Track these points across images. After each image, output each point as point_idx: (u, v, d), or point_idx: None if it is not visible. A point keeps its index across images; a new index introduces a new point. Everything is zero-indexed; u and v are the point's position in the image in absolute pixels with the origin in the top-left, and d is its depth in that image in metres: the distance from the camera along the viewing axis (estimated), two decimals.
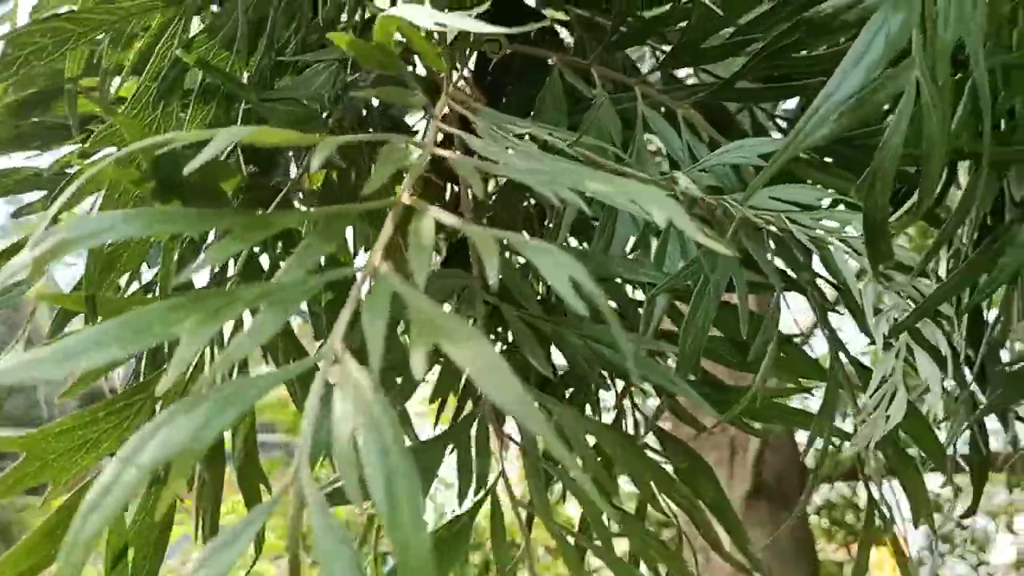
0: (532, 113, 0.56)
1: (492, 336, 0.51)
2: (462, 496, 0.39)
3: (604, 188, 0.29)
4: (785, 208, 0.46)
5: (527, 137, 0.50)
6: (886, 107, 0.40)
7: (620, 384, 0.55)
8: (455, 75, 0.48)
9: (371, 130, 0.58)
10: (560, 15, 0.67)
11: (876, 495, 0.54)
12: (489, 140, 0.38)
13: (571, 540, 0.45)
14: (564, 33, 0.66)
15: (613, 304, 0.56)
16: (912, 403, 0.51)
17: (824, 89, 0.34)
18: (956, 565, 3.17)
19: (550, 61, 0.58)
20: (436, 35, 0.51)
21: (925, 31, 0.36)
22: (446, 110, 0.41)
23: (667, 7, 0.54)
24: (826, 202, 0.49)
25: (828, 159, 0.54)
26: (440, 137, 0.45)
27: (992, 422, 0.58)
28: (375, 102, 0.56)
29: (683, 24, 0.54)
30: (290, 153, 0.50)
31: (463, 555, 0.38)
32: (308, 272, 0.28)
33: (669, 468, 0.54)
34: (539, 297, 0.51)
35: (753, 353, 0.45)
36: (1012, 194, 0.52)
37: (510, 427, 0.48)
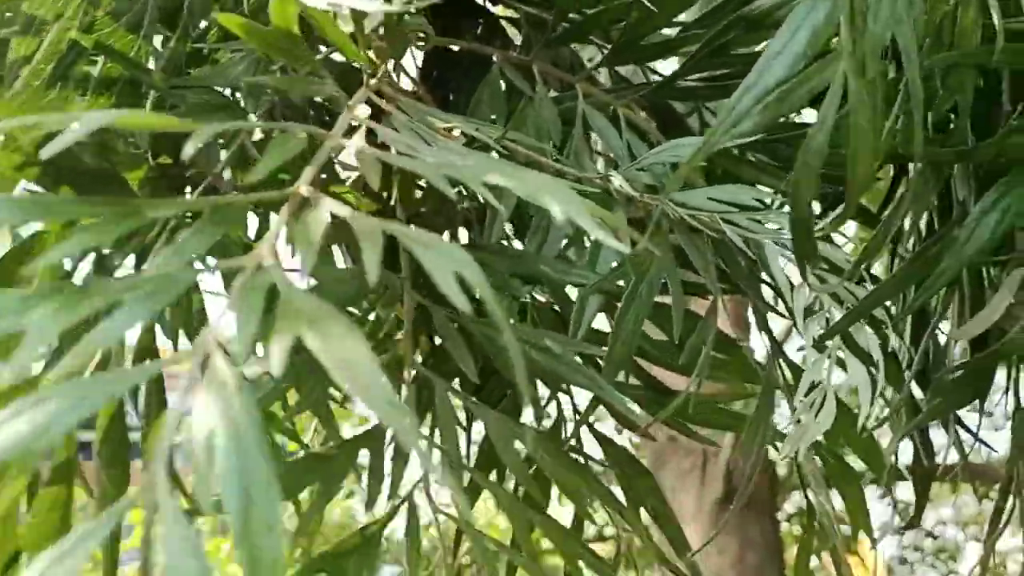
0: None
1: (425, 337, 0.50)
2: (370, 504, 0.38)
3: (506, 181, 0.28)
4: (722, 208, 0.45)
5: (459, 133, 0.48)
6: None
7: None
8: (387, 66, 0.47)
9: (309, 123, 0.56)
10: (510, 13, 0.66)
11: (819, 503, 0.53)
12: (407, 134, 0.37)
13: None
14: (517, 31, 0.65)
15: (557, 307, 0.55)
16: (853, 411, 0.50)
17: (744, 82, 0.33)
18: (927, 573, 3.18)
19: (494, 58, 0.57)
20: (376, 25, 0.49)
21: (854, 24, 0.35)
22: (365, 102, 0.40)
23: (611, 4, 0.53)
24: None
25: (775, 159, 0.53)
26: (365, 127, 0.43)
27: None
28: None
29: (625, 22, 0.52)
30: (220, 142, 0.48)
31: (374, 565, 0.36)
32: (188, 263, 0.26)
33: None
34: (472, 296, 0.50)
35: (686, 355, 0.44)
36: (957, 196, 0.51)
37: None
